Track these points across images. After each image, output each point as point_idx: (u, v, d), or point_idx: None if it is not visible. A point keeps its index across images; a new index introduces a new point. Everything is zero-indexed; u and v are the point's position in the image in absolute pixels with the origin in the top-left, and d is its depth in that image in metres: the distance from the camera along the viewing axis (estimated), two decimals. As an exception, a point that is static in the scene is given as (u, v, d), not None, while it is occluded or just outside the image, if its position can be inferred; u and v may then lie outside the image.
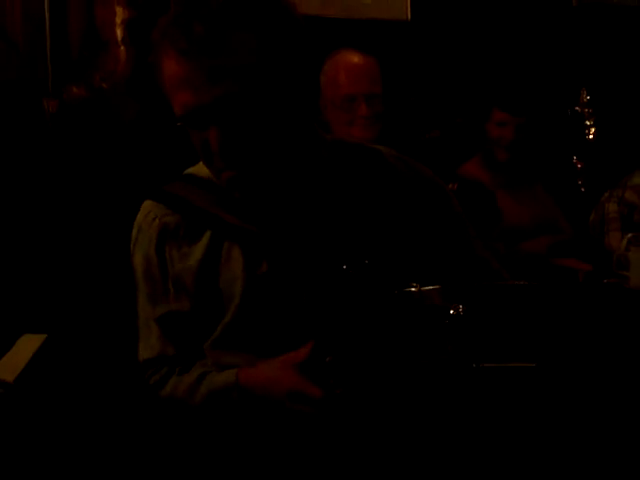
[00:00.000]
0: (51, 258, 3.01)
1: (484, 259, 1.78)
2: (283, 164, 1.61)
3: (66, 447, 2.09)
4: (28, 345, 2.21)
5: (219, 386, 1.65)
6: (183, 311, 1.72)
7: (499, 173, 3.64)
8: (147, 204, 1.77)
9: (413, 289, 1.30)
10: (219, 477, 1.63)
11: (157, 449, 1.75)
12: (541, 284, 1.38)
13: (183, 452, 1.68)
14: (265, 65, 1.53)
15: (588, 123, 3.13)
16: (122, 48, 3.25)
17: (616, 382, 1.32)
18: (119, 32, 3.25)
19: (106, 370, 2.38)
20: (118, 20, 3.25)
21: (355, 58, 3.01)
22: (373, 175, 1.72)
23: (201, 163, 1.73)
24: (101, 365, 2.45)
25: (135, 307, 1.79)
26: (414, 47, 3.93)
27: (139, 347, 1.79)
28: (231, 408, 1.63)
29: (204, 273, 1.69)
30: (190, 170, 1.78)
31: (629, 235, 3.15)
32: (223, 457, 1.63)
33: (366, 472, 1.37)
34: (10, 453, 1.97)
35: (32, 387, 2.09)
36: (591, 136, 3.13)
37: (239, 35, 1.51)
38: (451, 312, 1.28)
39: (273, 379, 1.57)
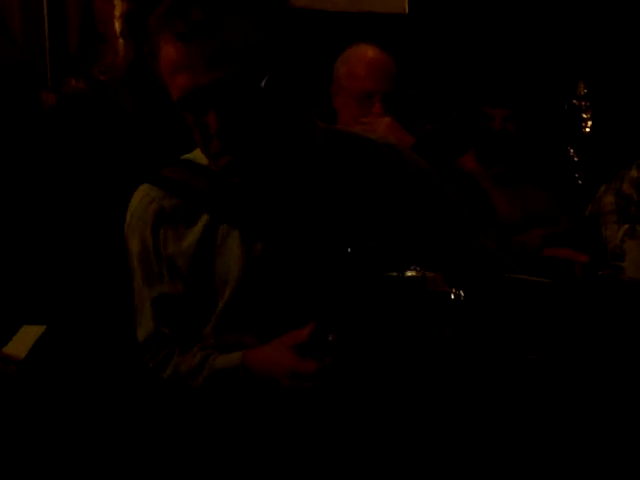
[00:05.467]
0: (50, 249, 3.01)
1: (486, 247, 1.79)
2: (279, 148, 1.63)
3: (70, 437, 2.10)
4: (28, 336, 2.22)
5: (224, 366, 1.65)
6: (177, 294, 1.73)
7: (494, 167, 3.64)
8: (143, 187, 1.78)
9: (416, 273, 1.32)
10: (219, 459, 1.64)
11: (157, 436, 1.76)
12: (543, 279, 1.40)
13: (184, 436, 1.69)
14: (261, 49, 1.56)
15: (585, 116, 3.15)
16: (121, 41, 3.26)
17: (611, 374, 1.33)
18: (118, 25, 3.26)
19: (107, 358, 2.39)
20: (117, 13, 3.26)
21: (379, 55, 3.06)
22: (368, 162, 1.73)
23: (198, 150, 1.75)
24: (102, 353, 2.46)
25: (131, 293, 1.80)
26: (412, 40, 3.94)
27: (136, 329, 1.80)
28: (235, 389, 1.64)
29: (200, 256, 1.70)
30: (187, 156, 1.79)
31: (625, 226, 3.17)
32: (223, 441, 1.64)
33: (361, 453, 1.39)
34: (16, 435, 1.99)
35: (37, 373, 2.11)
36: (588, 129, 3.15)
37: (236, 18, 1.55)
38: (452, 297, 1.30)
39: (274, 360, 1.58)
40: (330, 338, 1.39)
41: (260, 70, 1.56)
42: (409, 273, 1.32)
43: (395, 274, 1.33)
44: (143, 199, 1.77)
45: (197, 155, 1.76)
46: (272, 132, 1.61)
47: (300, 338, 1.53)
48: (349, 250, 1.42)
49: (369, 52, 3.07)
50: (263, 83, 1.56)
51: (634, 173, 3.46)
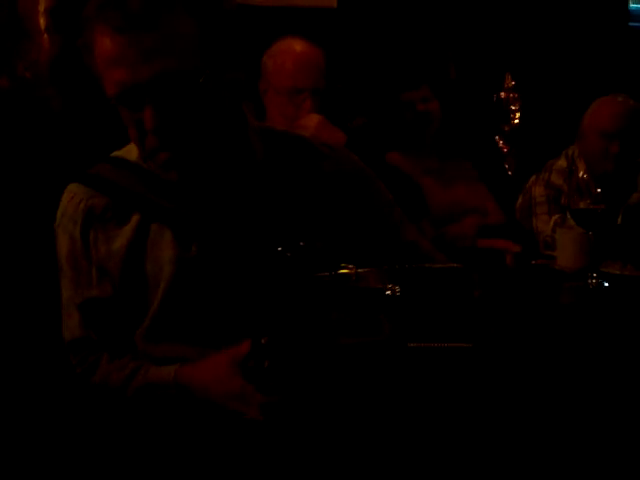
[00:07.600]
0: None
1: (415, 241, 1.80)
2: (216, 146, 1.61)
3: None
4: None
5: (155, 380, 1.64)
6: (105, 297, 1.70)
7: (424, 159, 3.67)
8: (72, 187, 1.75)
9: (349, 270, 1.32)
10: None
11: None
12: (472, 267, 1.41)
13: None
14: (200, 44, 1.53)
15: (513, 108, 3.18)
16: (46, 37, 3.19)
17: (545, 356, 1.35)
18: (42, 20, 3.19)
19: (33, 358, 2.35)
20: (41, 8, 3.19)
21: (307, 49, 2.97)
22: (301, 161, 1.73)
23: (128, 146, 1.72)
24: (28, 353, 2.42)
25: (59, 293, 1.77)
26: (340, 34, 3.93)
27: (62, 330, 1.76)
28: (167, 404, 1.62)
29: (131, 257, 1.67)
30: (117, 153, 1.76)
31: (556, 217, 3.22)
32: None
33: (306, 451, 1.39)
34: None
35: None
36: (516, 120, 3.18)
37: (174, 13, 1.52)
38: (387, 293, 1.30)
39: (216, 381, 1.55)
40: (263, 341, 1.38)
41: (198, 66, 1.54)
42: (341, 271, 1.32)
43: (327, 272, 1.33)
44: (72, 199, 1.74)
45: (127, 152, 1.73)
46: (208, 129, 1.59)
47: (237, 356, 1.50)
48: (279, 249, 1.41)
49: (297, 46, 3.00)
50: (202, 79, 1.54)
51: (562, 163, 3.51)
